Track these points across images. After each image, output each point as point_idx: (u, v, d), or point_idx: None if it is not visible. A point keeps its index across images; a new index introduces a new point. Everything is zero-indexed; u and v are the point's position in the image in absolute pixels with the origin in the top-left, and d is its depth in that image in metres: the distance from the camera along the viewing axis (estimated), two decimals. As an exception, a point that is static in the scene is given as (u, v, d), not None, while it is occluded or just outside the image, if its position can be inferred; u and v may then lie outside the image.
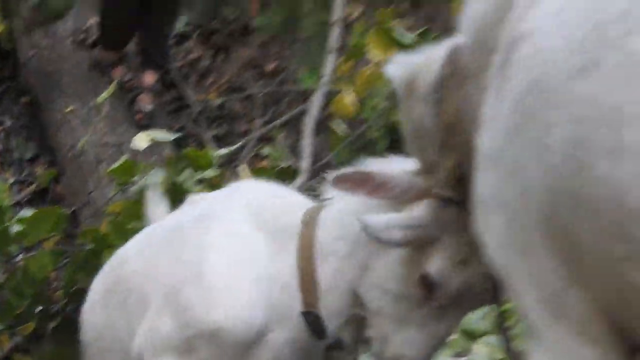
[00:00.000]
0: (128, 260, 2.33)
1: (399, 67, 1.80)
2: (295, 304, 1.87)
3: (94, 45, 4.72)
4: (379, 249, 1.87)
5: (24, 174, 4.88)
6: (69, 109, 4.63)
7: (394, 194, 1.81)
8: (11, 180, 4.72)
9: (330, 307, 1.85)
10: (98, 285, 2.44)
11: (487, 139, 1.48)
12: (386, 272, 1.85)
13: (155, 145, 3.81)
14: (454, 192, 1.75)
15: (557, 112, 1.27)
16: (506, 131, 1.40)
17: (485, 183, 1.49)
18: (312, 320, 1.86)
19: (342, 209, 1.96)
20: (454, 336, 2.80)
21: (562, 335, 1.43)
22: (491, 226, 1.50)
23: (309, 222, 1.91)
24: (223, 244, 1.93)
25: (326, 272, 1.88)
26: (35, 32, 4.90)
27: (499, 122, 1.45)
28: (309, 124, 3.98)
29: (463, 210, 1.69)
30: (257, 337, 1.86)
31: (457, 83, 1.68)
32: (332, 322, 1.87)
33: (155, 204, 2.70)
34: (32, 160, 4.91)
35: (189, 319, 1.86)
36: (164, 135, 3.88)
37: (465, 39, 1.62)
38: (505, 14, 1.46)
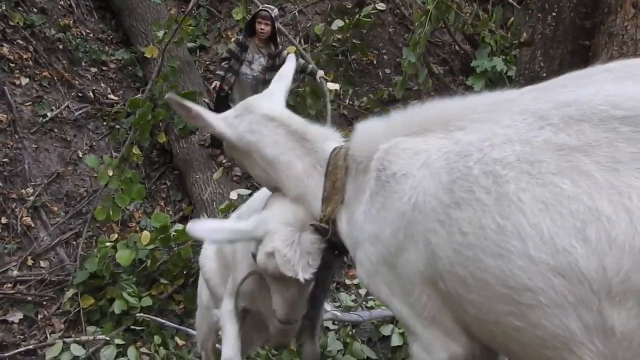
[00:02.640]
0: None
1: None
2: None
3: (209, 146, 7.44)
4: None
5: (176, 208, 7.52)
6: (197, 177, 7.23)
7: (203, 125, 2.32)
8: (170, 210, 7.38)
9: None
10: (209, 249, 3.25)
11: (371, 227, 1.98)
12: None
13: (240, 197, 5.88)
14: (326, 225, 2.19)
15: (443, 228, 1.70)
16: (393, 230, 1.87)
17: (371, 249, 1.96)
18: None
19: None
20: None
21: (435, 335, 1.87)
22: (379, 273, 1.97)
23: None
24: None
25: None
26: (180, 140, 7.64)
27: (384, 223, 1.92)
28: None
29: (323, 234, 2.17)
30: None
31: (343, 166, 2.15)
32: None
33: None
34: (180, 200, 7.59)
35: None
36: (244, 191, 6.09)
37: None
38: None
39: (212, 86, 6.65)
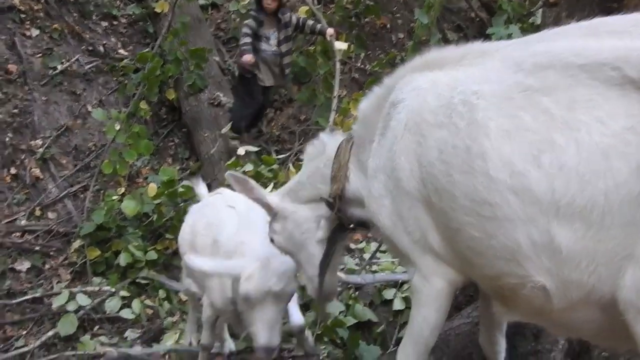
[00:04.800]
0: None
1: (313, 145, 2.61)
2: None
3: (217, 105, 7.38)
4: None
5: (184, 165, 7.48)
6: (205, 135, 7.23)
7: (254, 198, 2.66)
8: (178, 167, 7.19)
9: None
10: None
11: (374, 162, 2.19)
12: None
13: (247, 154, 6.18)
14: (332, 200, 2.44)
15: (425, 141, 1.93)
16: (387, 151, 2.09)
17: (375, 185, 2.17)
18: None
19: None
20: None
21: (429, 260, 2.05)
22: (382, 206, 2.15)
23: None
24: None
25: None
26: (189, 98, 7.53)
27: (382, 149, 2.13)
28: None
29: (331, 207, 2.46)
30: None
31: (346, 148, 2.44)
32: None
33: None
34: (187, 158, 7.58)
35: None
36: (252, 148, 6.27)
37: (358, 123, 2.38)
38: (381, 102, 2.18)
39: (247, 60, 6.47)
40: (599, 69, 1.64)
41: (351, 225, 2.55)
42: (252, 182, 2.66)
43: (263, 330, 2.63)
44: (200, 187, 3.77)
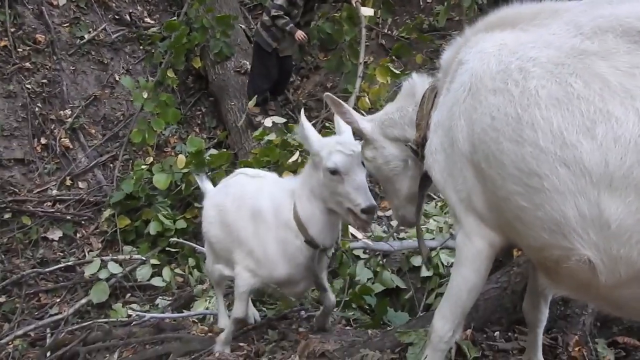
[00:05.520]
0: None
1: (408, 83, 2.60)
2: None
3: (244, 73, 7.37)
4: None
5: (211, 134, 7.55)
6: (232, 104, 7.32)
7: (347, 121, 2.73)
8: (205, 136, 7.36)
9: None
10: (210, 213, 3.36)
11: (437, 116, 2.20)
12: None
13: (274, 124, 6.02)
14: (417, 147, 2.44)
15: (481, 107, 1.90)
16: (448, 110, 2.08)
17: (434, 139, 2.18)
18: None
19: None
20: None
21: (472, 220, 2.06)
22: (436, 162, 2.17)
23: None
24: None
25: None
26: (216, 66, 7.58)
27: (444, 106, 2.12)
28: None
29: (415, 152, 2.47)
30: None
31: (430, 97, 2.41)
32: None
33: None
34: (215, 127, 7.65)
35: None
36: (279, 119, 6.23)
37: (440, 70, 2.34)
38: (456, 55, 2.18)
39: (301, 36, 6.57)
40: None
41: None
42: (347, 105, 2.71)
43: (359, 195, 2.67)
44: (205, 183, 3.68)
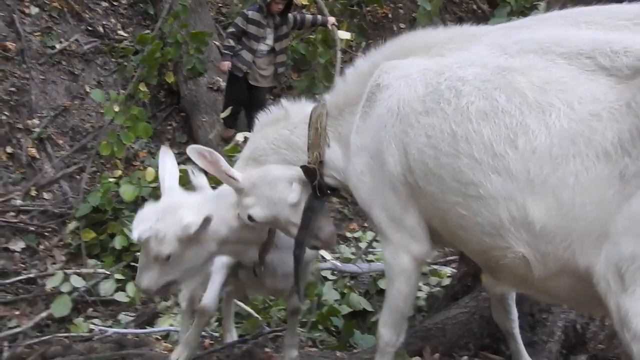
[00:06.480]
0: None
1: (275, 109, 2.56)
2: None
3: (217, 90, 7.42)
4: None
5: (181, 150, 6.58)
6: (204, 119, 7.32)
7: (218, 172, 2.47)
8: (175, 151, 7.34)
9: None
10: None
11: (359, 139, 2.26)
12: None
13: (247, 140, 6.44)
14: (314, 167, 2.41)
15: (413, 130, 2.03)
16: (374, 134, 2.16)
17: (357, 162, 2.27)
18: None
19: None
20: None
21: (400, 237, 2.19)
22: (363, 183, 2.25)
23: None
24: None
25: None
26: (188, 81, 7.57)
27: (368, 130, 2.20)
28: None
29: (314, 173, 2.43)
30: None
31: (322, 116, 2.40)
32: None
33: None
34: (185, 143, 7.35)
35: None
36: (250, 135, 6.49)
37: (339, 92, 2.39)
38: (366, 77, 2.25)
39: (224, 68, 6.80)
40: (576, 57, 1.78)
41: (328, 192, 2.50)
42: (217, 154, 2.45)
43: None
44: (200, 178, 3.50)
